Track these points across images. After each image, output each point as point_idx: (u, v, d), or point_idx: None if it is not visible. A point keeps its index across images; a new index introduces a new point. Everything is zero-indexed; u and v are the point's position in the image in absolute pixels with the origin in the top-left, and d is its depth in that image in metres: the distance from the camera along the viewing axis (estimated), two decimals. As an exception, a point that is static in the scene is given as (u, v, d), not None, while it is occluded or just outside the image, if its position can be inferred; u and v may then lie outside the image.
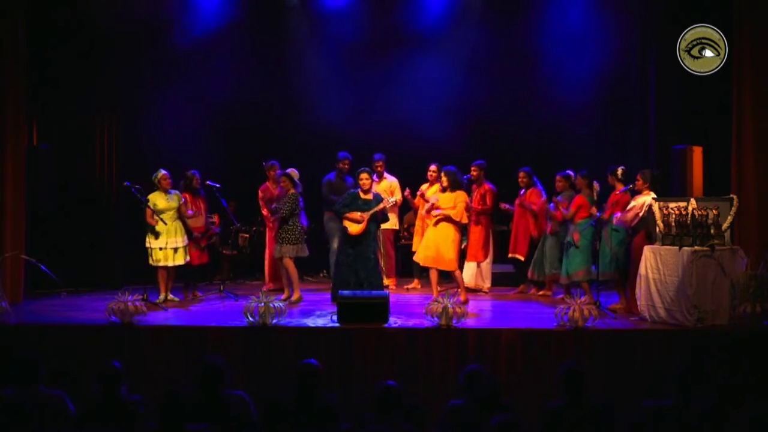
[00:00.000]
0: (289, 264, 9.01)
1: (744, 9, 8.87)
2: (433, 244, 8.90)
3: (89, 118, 10.57)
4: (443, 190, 9.08)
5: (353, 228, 8.68)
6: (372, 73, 11.14)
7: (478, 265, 9.90)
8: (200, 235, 9.38)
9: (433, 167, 10.03)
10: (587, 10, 10.61)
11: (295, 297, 8.96)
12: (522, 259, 9.73)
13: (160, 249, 8.88)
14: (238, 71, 11.08)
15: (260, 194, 9.98)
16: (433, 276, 9.00)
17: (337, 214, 8.89)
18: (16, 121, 9.26)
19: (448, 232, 8.88)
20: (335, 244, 10.23)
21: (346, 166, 10.26)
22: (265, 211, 9.86)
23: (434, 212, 8.95)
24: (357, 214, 8.70)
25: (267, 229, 10.06)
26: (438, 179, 9.85)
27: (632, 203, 8.29)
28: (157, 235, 8.85)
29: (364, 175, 8.88)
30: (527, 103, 11.02)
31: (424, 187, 10.06)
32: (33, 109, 10.00)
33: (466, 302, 8.64)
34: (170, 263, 8.97)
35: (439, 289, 8.97)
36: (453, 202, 8.90)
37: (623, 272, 8.53)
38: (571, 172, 9.26)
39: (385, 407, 4.72)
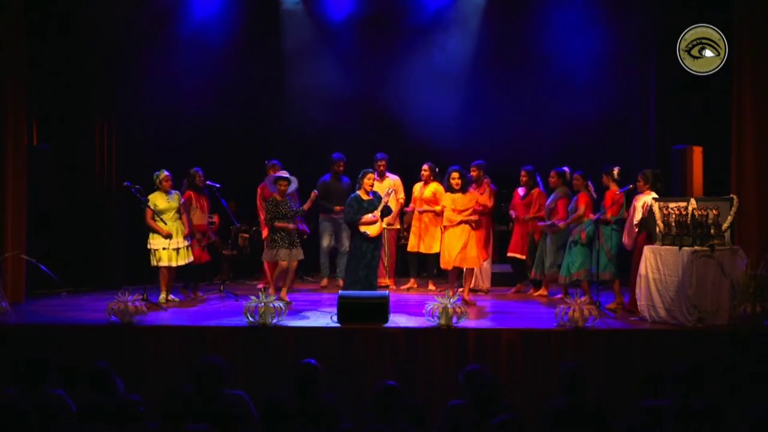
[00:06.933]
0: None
1: (744, 9, 8.87)
2: (455, 246, 8.94)
3: (89, 118, 10.57)
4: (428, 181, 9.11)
5: (373, 230, 8.69)
6: (372, 72, 11.14)
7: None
8: (202, 234, 9.40)
9: (426, 167, 10.03)
10: (587, 10, 10.60)
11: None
12: (523, 257, 9.73)
13: (163, 249, 8.88)
14: (238, 70, 11.07)
15: (259, 191, 9.96)
16: (452, 274, 9.03)
17: (351, 224, 8.80)
18: (16, 121, 9.23)
19: (464, 231, 8.92)
20: (325, 242, 10.26)
21: (341, 168, 10.26)
22: (262, 213, 9.86)
23: (457, 217, 8.99)
24: (369, 216, 8.72)
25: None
26: (431, 178, 9.87)
27: (635, 206, 8.27)
28: (164, 236, 8.83)
29: (370, 175, 8.89)
30: (526, 103, 11.00)
31: (416, 186, 10.06)
32: (33, 109, 9.98)
33: (468, 302, 8.72)
34: (173, 263, 8.96)
35: (438, 288, 8.94)
36: (469, 203, 8.97)
37: (621, 272, 8.53)
38: (566, 169, 9.29)
39: (385, 407, 4.72)
